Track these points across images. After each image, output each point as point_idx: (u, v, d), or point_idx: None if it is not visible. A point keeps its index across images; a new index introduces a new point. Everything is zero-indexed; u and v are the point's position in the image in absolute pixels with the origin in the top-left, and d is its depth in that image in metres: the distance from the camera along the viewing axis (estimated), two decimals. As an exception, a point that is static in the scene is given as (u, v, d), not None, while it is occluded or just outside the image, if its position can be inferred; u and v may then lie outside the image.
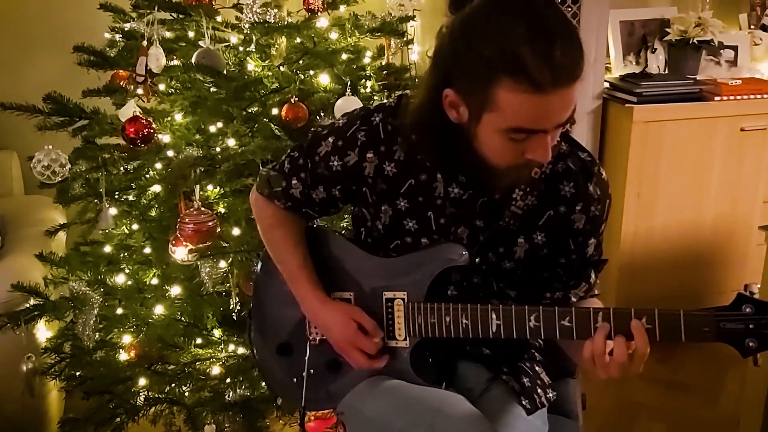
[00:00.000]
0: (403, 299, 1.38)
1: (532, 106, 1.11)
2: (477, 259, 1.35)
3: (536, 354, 1.49)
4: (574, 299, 1.40)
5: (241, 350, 2.06)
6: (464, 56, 1.15)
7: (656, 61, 3.09)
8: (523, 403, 1.37)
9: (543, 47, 1.08)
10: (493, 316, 1.29)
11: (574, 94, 1.12)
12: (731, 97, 2.82)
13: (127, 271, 2.13)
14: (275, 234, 1.48)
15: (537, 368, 1.45)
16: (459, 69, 1.17)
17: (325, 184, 1.40)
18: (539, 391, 1.40)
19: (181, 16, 2.08)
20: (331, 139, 1.37)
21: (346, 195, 1.41)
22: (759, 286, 1.14)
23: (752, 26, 3.29)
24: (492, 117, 1.15)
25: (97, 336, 2.03)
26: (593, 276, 1.41)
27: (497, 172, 1.24)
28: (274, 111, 2.04)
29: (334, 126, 1.40)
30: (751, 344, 1.14)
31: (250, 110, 2.04)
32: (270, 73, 2.05)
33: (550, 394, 1.42)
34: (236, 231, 2.00)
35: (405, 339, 1.39)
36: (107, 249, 2.16)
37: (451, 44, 1.17)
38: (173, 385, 2.08)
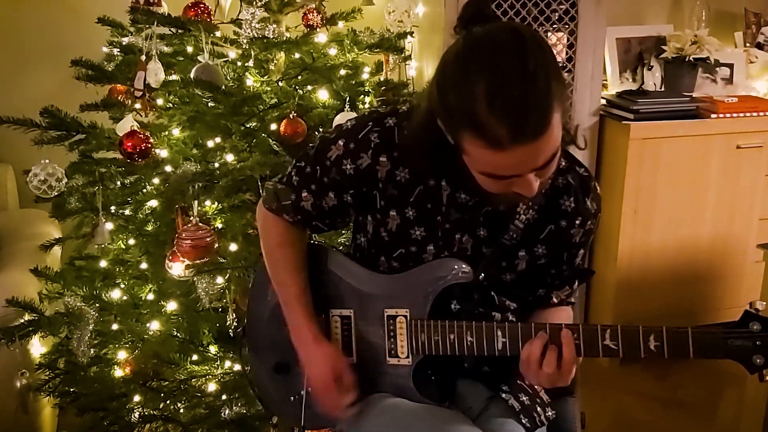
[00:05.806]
0: (405, 316, 1.37)
1: (494, 159, 1.11)
2: (481, 276, 1.34)
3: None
4: (555, 300, 1.43)
5: (237, 367, 2.04)
6: (438, 101, 1.15)
7: (652, 79, 3.11)
8: (523, 421, 1.36)
9: (501, 105, 1.06)
10: (499, 333, 1.28)
11: (544, 144, 1.10)
12: (727, 115, 2.84)
13: (122, 286, 2.11)
14: (280, 254, 1.46)
15: (536, 387, 1.43)
16: (437, 110, 1.17)
17: (337, 190, 1.37)
18: (539, 409, 1.40)
19: (179, 30, 2.08)
20: (341, 142, 1.34)
21: (358, 200, 1.38)
22: (765, 303, 1.16)
23: (747, 44, 3.31)
24: (468, 159, 1.16)
25: (91, 352, 2.02)
26: (577, 283, 1.45)
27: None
28: (273, 126, 2.03)
29: (342, 129, 1.37)
30: (758, 361, 1.16)
31: (248, 125, 2.03)
32: (269, 89, 2.05)
33: (550, 413, 1.42)
34: (233, 246, 1.98)
35: (407, 357, 1.38)
36: (103, 264, 2.15)
37: (434, 84, 1.16)
38: (168, 401, 2.06)
